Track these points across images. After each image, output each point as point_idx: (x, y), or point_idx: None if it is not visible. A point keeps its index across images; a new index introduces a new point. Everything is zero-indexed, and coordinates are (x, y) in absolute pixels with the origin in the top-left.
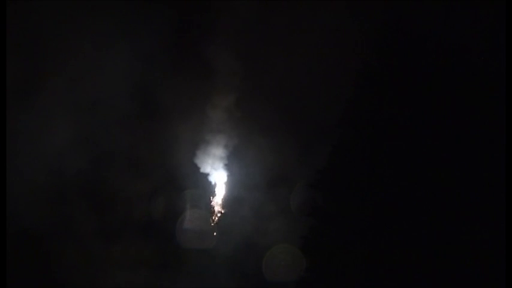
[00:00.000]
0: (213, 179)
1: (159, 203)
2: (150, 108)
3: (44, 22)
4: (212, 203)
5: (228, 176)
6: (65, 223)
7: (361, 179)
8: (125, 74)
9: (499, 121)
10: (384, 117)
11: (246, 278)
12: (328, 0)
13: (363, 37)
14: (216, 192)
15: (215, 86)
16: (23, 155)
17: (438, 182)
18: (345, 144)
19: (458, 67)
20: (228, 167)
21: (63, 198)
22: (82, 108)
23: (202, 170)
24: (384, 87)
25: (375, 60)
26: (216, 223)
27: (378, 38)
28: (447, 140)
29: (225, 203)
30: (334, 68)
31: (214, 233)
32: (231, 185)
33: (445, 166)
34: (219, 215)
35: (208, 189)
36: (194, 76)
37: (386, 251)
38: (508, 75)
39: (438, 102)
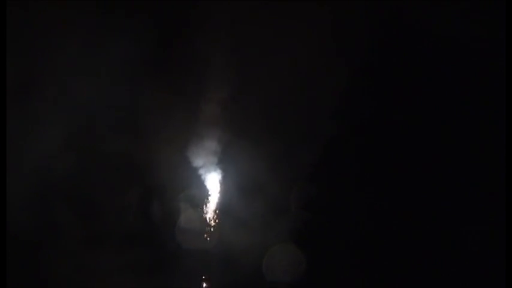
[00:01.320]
0: (206, 176)
1: (153, 205)
2: (140, 107)
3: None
4: (207, 202)
5: (222, 173)
6: (54, 228)
7: (355, 172)
8: (114, 73)
9: (497, 115)
10: (378, 110)
11: (245, 278)
12: None
13: (358, 31)
14: (211, 191)
15: (205, 80)
16: (10, 158)
17: (433, 175)
18: (339, 137)
19: (455, 62)
20: (222, 162)
21: (52, 202)
22: (70, 109)
23: (195, 165)
24: (378, 81)
25: (369, 54)
26: (213, 222)
27: (373, 32)
28: (443, 134)
29: (221, 202)
30: (328, 62)
31: (211, 233)
32: (226, 183)
33: (440, 160)
34: (214, 214)
35: (202, 188)
36: (183, 72)
37: (383, 244)
38: (507, 71)
39: (434, 96)
